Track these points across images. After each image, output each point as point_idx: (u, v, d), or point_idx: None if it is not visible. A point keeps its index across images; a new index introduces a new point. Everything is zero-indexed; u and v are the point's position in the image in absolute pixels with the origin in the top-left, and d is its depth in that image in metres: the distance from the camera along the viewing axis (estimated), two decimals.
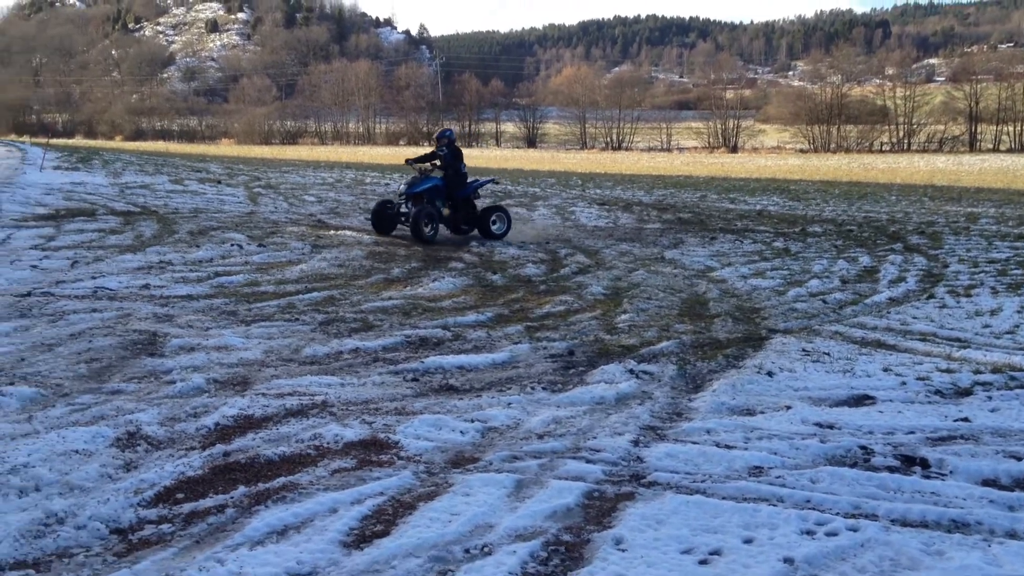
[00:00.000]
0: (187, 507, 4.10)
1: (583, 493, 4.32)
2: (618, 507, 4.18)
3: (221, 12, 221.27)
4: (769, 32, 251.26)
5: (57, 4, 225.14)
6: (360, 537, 3.83)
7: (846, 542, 3.82)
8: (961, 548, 3.79)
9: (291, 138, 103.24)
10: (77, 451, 4.68)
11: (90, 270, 10.39)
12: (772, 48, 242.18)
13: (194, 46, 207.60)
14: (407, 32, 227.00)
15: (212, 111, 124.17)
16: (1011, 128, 74.34)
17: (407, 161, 15.23)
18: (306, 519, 3.97)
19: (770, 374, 6.64)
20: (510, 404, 5.79)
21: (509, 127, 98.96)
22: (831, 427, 5.41)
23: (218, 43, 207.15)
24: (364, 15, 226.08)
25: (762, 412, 5.71)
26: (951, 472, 4.69)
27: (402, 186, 15.11)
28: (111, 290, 9.23)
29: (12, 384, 5.85)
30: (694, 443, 5.06)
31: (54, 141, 64.34)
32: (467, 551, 3.72)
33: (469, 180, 14.99)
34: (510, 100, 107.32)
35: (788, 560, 3.66)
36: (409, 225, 14.11)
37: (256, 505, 4.12)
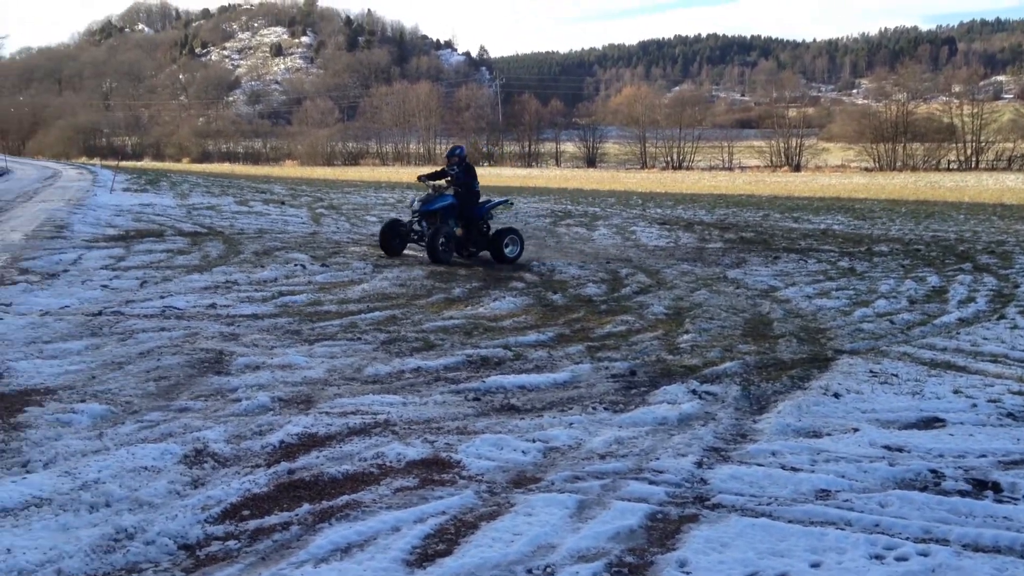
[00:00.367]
0: (253, 524, 4.15)
1: (646, 514, 4.28)
2: (682, 529, 4.13)
3: (285, 36, 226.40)
4: (832, 50, 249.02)
5: (127, 30, 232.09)
6: (423, 556, 3.83)
7: (916, 567, 3.75)
8: None
9: (353, 159, 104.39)
10: (146, 467, 4.77)
11: (159, 290, 10.59)
12: (835, 66, 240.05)
13: (259, 70, 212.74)
14: (467, 54, 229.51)
15: (276, 133, 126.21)
16: None
17: (419, 178, 14.77)
18: (369, 537, 3.99)
19: (837, 395, 6.53)
20: (572, 424, 5.77)
21: (569, 147, 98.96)
22: (900, 450, 5.30)
23: (282, 67, 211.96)
24: (425, 37, 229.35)
25: (829, 434, 5.62)
26: None
27: (415, 203, 14.30)
28: (179, 309, 9.42)
29: (83, 401, 5.99)
30: (759, 465, 4.99)
31: (124, 164, 66.29)
32: (530, 571, 3.71)
33: (482, 200, 14.36)
34: (570, 120, 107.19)
35: None
36: (424, 244, 13.63)
37: (320, 523, 4.16)
